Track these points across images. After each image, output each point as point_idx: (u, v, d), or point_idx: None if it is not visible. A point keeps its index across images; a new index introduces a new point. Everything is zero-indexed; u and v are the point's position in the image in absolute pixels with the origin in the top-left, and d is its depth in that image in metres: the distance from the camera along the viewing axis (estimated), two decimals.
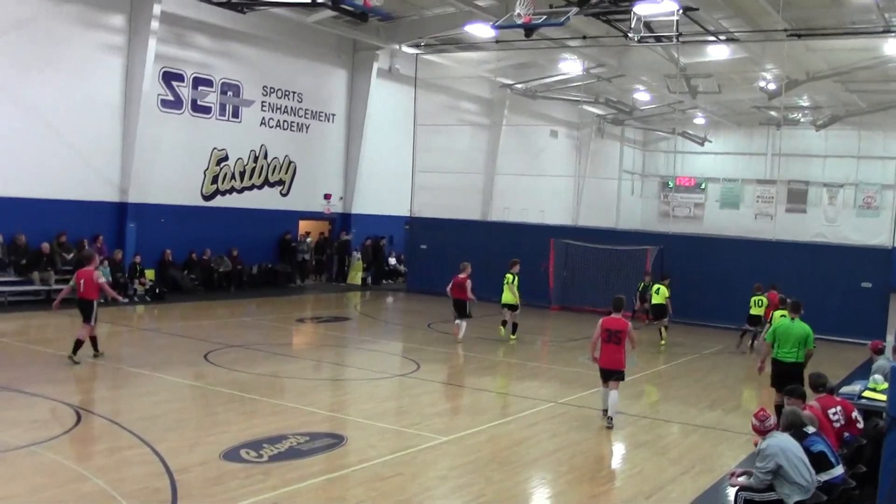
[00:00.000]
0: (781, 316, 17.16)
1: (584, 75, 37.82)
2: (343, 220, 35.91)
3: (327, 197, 34.90)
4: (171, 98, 28.23)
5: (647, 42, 27.51)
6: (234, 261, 30.30)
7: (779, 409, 12.94)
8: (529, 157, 42.67)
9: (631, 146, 54.80)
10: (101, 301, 17.61)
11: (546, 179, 41.94)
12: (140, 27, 26.55)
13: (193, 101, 29.03)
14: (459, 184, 36.18)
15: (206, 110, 29.54)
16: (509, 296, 22.51)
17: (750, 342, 23.25)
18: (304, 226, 34.68)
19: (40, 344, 18.88)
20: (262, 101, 31.63)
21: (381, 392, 16.59)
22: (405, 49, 34.32)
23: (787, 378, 13.62)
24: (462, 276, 22.19)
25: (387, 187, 36.07)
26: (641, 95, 45.76)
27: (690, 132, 51.55)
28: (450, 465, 11.59)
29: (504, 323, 22.94)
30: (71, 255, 25.08)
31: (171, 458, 10.95)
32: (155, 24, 26.47)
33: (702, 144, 52.03)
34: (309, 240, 34.55)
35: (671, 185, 53.14)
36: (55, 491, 9.67)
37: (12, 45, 23.87)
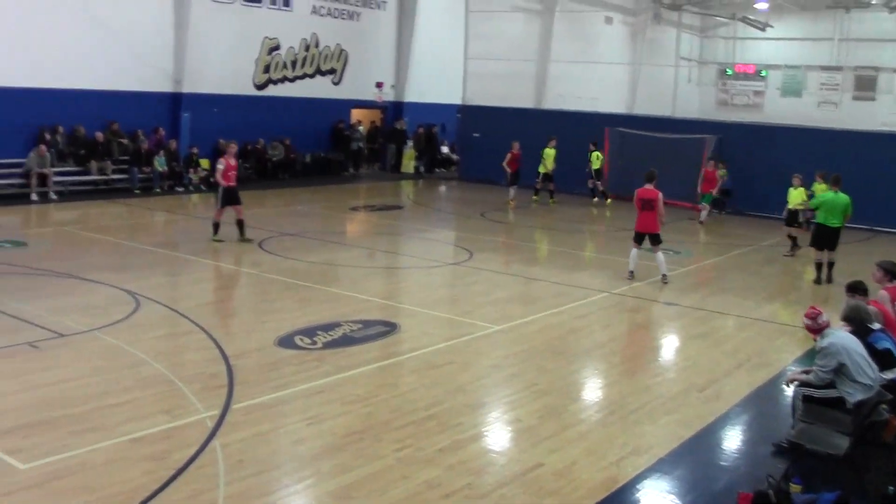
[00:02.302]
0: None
1: None
2: (395, 109, 35.62)
3: (379, 85, 34.55)
4: None
5: None
6: (288, 150, 30.30)
7: (819, 266, 17.22)
8: (583, 45, 41.59)
9: (688, 32, 53.29)
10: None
11: (601, 67, 40.91)
12: None
13: None
14: (512, 71, 35.47)
15: None
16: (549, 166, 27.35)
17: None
18: (356, 114, 34.47)
19: (100, 232, 19.15)
20: None
21: (434, 280, 16.67)
22: None
23: (828, 239, 16.96)
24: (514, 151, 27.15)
25: (439, 75, 35.57)
26: None
27: (751, 17, 49.92)
28: (502, 354, 11.62)
29: (537, 191, 27.78)
30: (126, 144, 25.40)
31: (227, 344, 11.13)
32: None
33: (763, 30, 50.40)
34: (361, 128, 34.37)
35: (730, 72, 51.72)
36: (116, 374, 9.88)
37: None
